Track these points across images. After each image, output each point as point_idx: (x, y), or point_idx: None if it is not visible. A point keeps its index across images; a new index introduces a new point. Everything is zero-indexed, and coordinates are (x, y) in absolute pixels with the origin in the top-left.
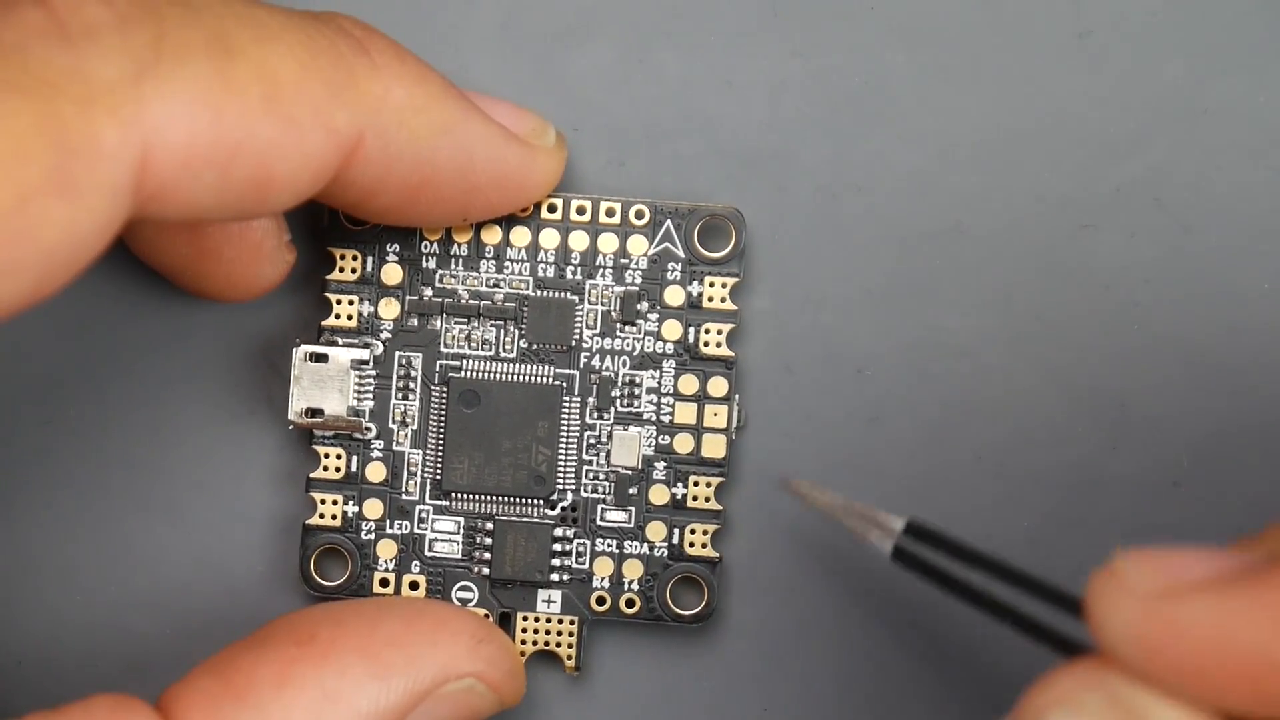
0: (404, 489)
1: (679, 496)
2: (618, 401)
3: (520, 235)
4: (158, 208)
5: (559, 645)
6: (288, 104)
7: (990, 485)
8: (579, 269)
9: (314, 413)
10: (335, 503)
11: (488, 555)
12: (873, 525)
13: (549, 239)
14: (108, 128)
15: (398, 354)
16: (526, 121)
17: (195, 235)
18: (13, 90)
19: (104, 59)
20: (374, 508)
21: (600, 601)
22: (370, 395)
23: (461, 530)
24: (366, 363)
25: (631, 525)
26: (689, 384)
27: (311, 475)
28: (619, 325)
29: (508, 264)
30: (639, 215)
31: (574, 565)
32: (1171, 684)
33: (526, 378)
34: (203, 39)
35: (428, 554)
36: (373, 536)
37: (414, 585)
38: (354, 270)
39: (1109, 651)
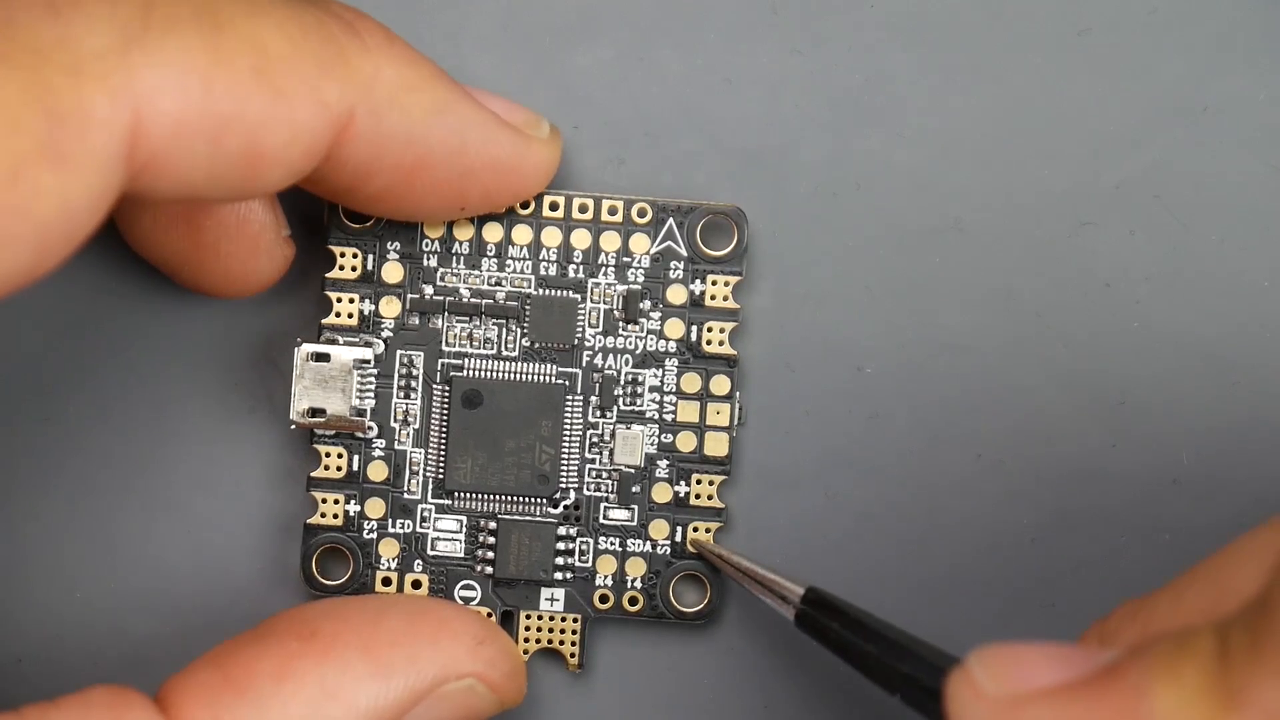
0: (406, 488)
1: (682, 494)
2: (620, 400)
3: (522, 233)
4: (150, 180)
5: (562, 643)
6: (277, 76)
7: (990, 483)
8: (581, 267)
9: (316, 412)
10: (337, 502)
11: (490, 554)
12: (775, 592)
13: (551, 237)
14: (97, 96)
15: (399, 353)
16: (519, 114)
17: (193, 227)
18: (0, 61)
19: (91, 29)
20: (376, 507)
21: (603, 599)
22: (372, 394)
23: (464, 529)
24: (368, 362)
25: (634, 523)
26: (691, 382)
27: (313, 474)
28: (621, 324)
29: (509, 262)
30: (641, 213)
31: (577, 564)
32: None
33: (529, 376)
34: (191, 11)
35: (430, 553)
36: (375, 536)
37: (416, 584)
38: (354, 269)
39: None
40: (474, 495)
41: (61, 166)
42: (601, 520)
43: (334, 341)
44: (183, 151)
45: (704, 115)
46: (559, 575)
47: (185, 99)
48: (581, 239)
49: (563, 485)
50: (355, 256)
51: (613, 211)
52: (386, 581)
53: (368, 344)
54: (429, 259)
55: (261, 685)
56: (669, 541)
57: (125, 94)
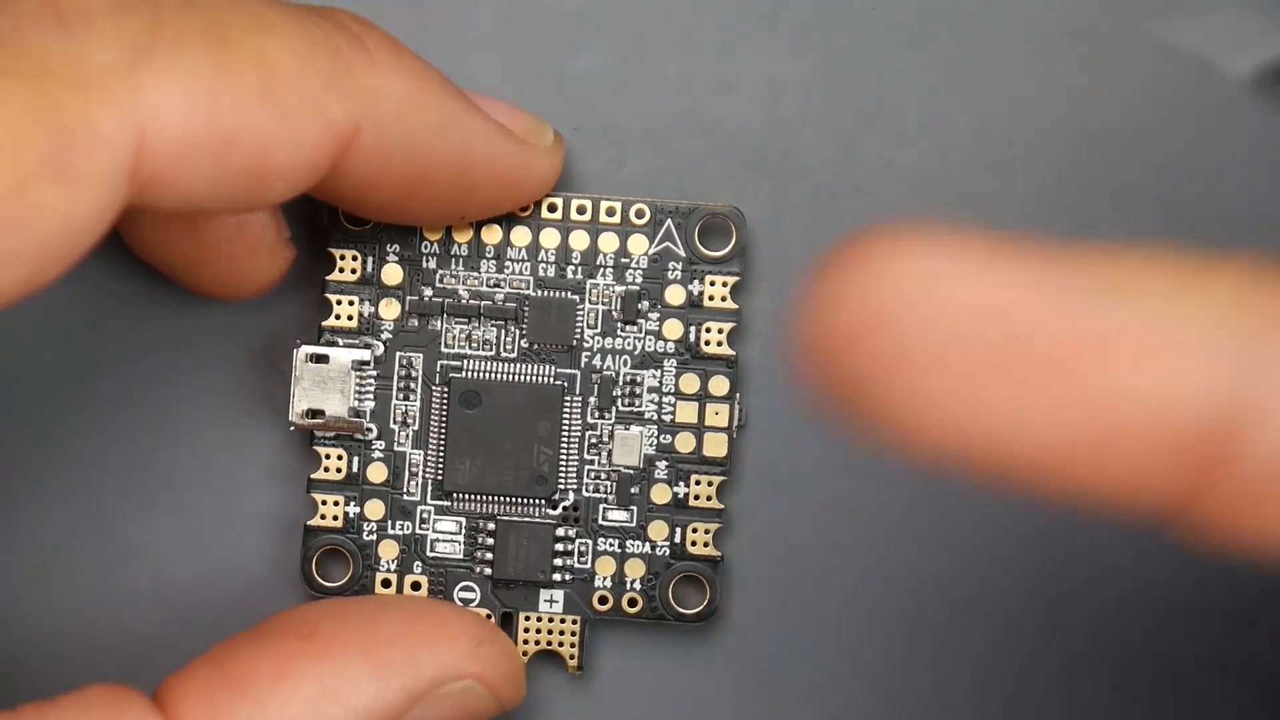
0: (405, 490)
1: (681, 496)
2: (619, 401)
3: (521, 235)
4: (153, 195)
5: (561, 645)
6: (284, 94)
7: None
8: (580, 268)
9: (315, 414)
10: (336, 504)
11: (489, 556)
12: None
13: (549, 238)
14: (104, 113)
15: (398, 354)
16: (523, 121)
17: (194, 231)
18: (7, 76)
19: (100, 45)
20: (375, 508)
21: (602, 601)
22: (371, 396)
23: (463, 531)
24: (367, 363)
25: (633, 525)
26: (690, 383)
27: (312, 476)
28: (620, 324)
29: (508, 264)
30: (639, 214)
31: (576, 565)
32: None
33: (527, 378)
34: (199, 27)
35: (429, 554)
36: (374, 537)
37: (416, 586)
38: (354, 271)
39: None
40: (473, 496)
41: (66, 183)
42: (600, 521)
43: (334, 343)
44: (187, 168)
45: (705, 118)
46: (557, 577)
47: (191, 116)
48: (580, 240)
49: (561, 486)
50: (355, 259)
51: (611, 213)
52: (386, 583)
53: (367, 345)
54: (428, 261)
55: (260, 685)
56: (668, 543)
57: (132, 111)
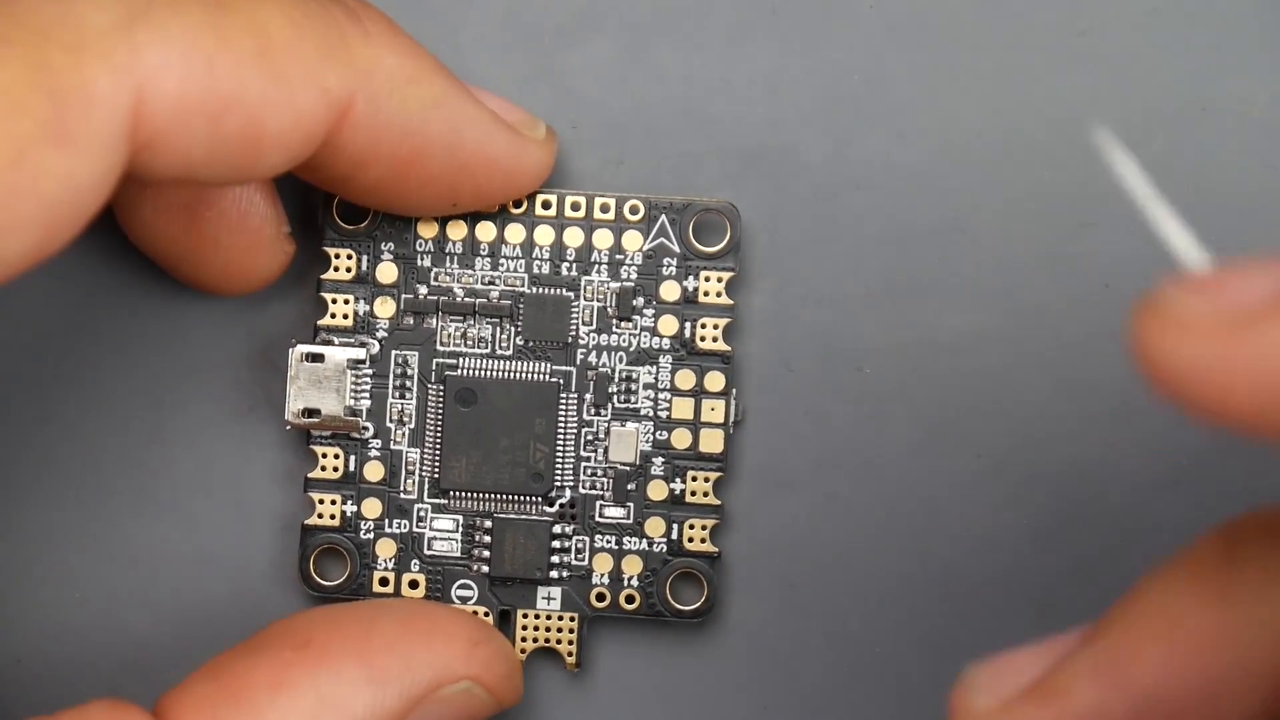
0: (402, 488)
1: (677, 492)
2: (615, 397)
3: (515, 232)
4: (149, 159)
5: (559, 642)
6: (280, 60)
7: (990, 484)
8: (574, 265)
9: (311, 413)
10: (334, 502)
11: (487, 553)
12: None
13: (544, 235)
14: (100, 75)
15: (394, 353)
16: (515, 114)
17: (194, 218)
18: (2, 41)
19: (95, 6)
20: (372, 507)
21: (600, 598)
22: (367, 394)
23: (460, 528)
24: (363, 362)
25: (630, 521)
26: (686, 379)
27: (309, 475)
28: (615, 321)
29: (503, 261)
30: (634, 211)
31: (573, 562)
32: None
33: (523, 375)
34: None
35: (427, 553)
36: (372, 536)
37: (413, 584)
38: (349, 270)
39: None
40: (469, 494)
41: (66, 147)
42: (597, 518)
43: (329, 342)
44: (183, 131)
45: (703, 115)
46: (555, 574)
47: (188, 79)
48: (574, 237)
49: (557, 483)
50: (350, 258)
51: (605, 209)
52: (384, 581)
53: (362, 344)
54: (423, 259)
55: (258, 696)
56: (665, 539)
57: (128, 72)
